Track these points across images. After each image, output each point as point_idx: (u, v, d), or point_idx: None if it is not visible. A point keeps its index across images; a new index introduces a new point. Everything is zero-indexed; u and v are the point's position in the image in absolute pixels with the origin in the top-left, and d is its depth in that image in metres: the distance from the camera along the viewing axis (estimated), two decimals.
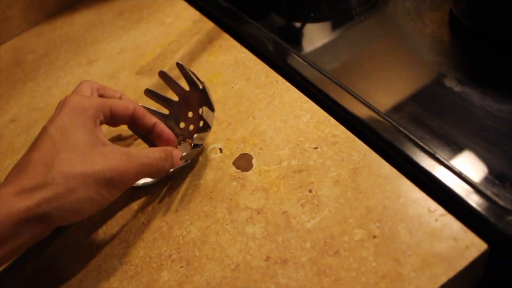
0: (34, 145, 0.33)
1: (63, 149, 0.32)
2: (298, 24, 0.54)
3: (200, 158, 0.41)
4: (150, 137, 0.40)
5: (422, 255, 0.30)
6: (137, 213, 0.39)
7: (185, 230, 0.36)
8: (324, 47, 0.48)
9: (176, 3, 0.61)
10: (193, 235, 0.36)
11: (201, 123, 0.42)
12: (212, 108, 0.39)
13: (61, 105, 0.35)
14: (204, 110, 0.37)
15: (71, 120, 0.33)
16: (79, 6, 0.70)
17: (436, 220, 0.31)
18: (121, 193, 0.35)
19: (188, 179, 0.39)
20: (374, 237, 0.32)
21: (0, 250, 0.29)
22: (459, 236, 0.30)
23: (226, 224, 0.35)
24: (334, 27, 0.51)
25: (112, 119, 0.37)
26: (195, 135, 0.37)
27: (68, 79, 0.57)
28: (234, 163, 0.39)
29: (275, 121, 0.41)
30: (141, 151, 0.35)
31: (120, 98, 0.41)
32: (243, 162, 0.39)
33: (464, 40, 0.44)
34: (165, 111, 0.43)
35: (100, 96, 0.39)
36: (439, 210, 0.32)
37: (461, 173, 0.33)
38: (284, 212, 0.35)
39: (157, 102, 0.43)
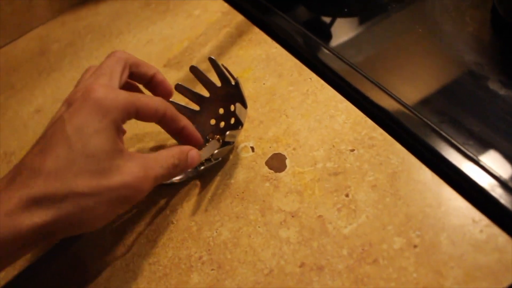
0: (48, 145, 0.30)
1: (80, 158, 0.29)
2: (329, 19, 0.52)
3: (231, 157, 0.39)
4: (176, 137, 0.39)
5: (465, 268, 0.29)
6: (166, 211, 0.38)
7: (216, 232, 0.35)
8: (358, 43, 0.46)
9: None
10: (224, 237, 0.35)
11: (232, 120, 0.40)
12: (245, 105, 0.38)
13: (84, 96, 0.31)
14: (237, 107, 0.36)
15: (92, 121, 0.30)
16: None
17: (481, 231, 0.30)
18: None
19: (218, 178, 0.38)
20: (415, 246, 0.30)
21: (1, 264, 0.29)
22: (506, 249, 0.29)
23: (259, 227, 0.34)
24: (368, 23, 0.49)
25: (138, 118, 0.34)
26: (227, 133, 0.36)
27: None
28: (267, 163, 0.38)
29: (309, 120, 0.40)
30: (156, 160, 0.33)
31: (154, 76, 0.38)
32: (276, 163, 0.38)
33: (508, 39, 0.42)
34: (195, 107, 0.42)
35: (132, 73, 0.37)
36: (483, 220, 0.31)
37: (507, 182, 0.32)
38: (320, 216, 0.34)
39: (187, 97, 0.42)
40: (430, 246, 0.30)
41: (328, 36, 0.49)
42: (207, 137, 0.41)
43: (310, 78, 0.43)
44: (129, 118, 0.33)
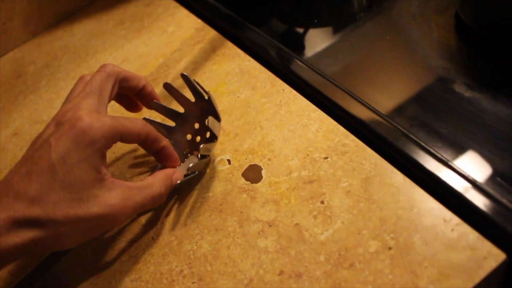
0: (34, 169, 0.31)
1: (61, 186, 0.30)
2: (301, 30, 0.53)
3: (208, 170, 0.40)
4: (154, 156, 0.39)
5: (439, 267, 0.30)
6: (146, 227, 0.38)
7: (196, 245, 0.36)
8: (328, 53, 0.47)
9: (177, 11, 0.61)
10: (204, 250, 0.35)
11: (208, 134, 0.41)
12: (218, 118, 0.39)
13: (71, 123, 0.32)
14: (210, 120, 0.36)
15: (76, 151, 0.31)
16: (79, 16, 0.69)
17: (452, 230, 0.31)
18: None
19: (196, 192, 0.39)
20: (389, 248, 0.31)
21: None
22: (477, 246, 0.30)
23: (238, 238, 0.35)
24: (338, 32, 0.51)
25: (122, 141, 0.35)
26: (201, 146, 0.36)
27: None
28: (243, 175, 0.39)
29: (283, 131, 0.40)
30: (141, 189, 0.34)
31: (143, 88, 0.40)
32: (252, 174, 0.38)
33: (472, 44, 0.44)
34: (171, 123, 0.43)
35: (122, 87, 0.38)
36: (454, 219, 0.31)
37: (475, 181, 0.33)
38: (296, 224, 0.34)
39: (162, 114, 0.42)
40: (404, 247, 0.31)
41: (301, 47, 0.50)
42: (184, 152, 0.42)
43: (283, 89, 0.44)
44: (114, 143, 0.34)
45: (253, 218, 0.35)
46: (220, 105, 0.45)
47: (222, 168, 0.40)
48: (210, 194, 0.38)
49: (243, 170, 0.39)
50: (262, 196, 0.37)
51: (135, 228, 0.38)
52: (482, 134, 0.36)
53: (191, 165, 0.36)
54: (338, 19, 0.52)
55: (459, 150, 0.35)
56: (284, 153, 0.39)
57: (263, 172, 0.38)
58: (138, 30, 0.61)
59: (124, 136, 0.34)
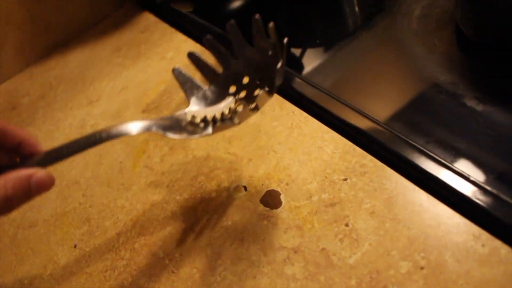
0: None
1: None
2: (300, 51, 0.53)
3: (225, 198, 0.39)
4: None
5: (474, 283, 0.29)
6: (164, 260, 0.37)
7: (219, 276, 0.35)
8: (332, 72, 0.47)
9: (175, 36, 0.61)
10: (228, 281, 0.34)
11: (257, 91, 0.37)
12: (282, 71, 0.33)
13: None
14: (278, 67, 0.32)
15: None
16: (72, 44, 0.69)
17: (483, 245, 0.31)
18: None
19: (213, 221, 0.38)
20: (421, 268, 0.31)
21: None
22: (509, 260, 0.30)
23: (263, 267, 0.34)
24: (341, 52, 0.51)
25: None
26: (260, 93, 0.32)
27: (70, 121, 0.55)
28: (262, 201, 0.38)
29: (297, 154, 0.40)
30: None
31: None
32: (271, 199, 0.38)
33: (476, 57, 0.44)
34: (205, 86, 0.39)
35: None
36: (484, 234, 0.31)
37: (499, 194, 0.33)
38: (323, 249, 0.34)
39: (201, 70, 0.39)
40: (437, 266, 0.31)
41: (305, 68, 0.50)
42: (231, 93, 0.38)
43: (293, 112, 0.44)
44: None
45: (277, 245, 0.35)
46: (229, 131, 0.44)
47: (238, 195, 0.39)
48: (229, 222, 0.37)
49: (261, 196, 0.38)
50: (283, 222, 0.36)
51: (153, 261, 0.37)
52: (501, 148, 0.36)
53: (240, 110, 0.33)
54: (339, 38, 0.52)
55: (479, 164, 0.35)
56: (301, 177, 0.38)
57: (282, 197, 0.38)
58: (136, 57, 0.60)
59: None
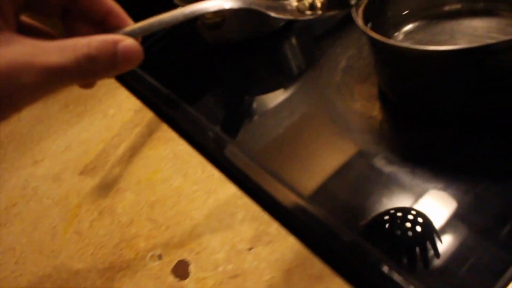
0: None
1: None
2: (231, 108, 0.54)
3: (141, 268, 0.40)
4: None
5: None
6: None
7: None
8: (255, 130, 0.48)
9: (118, 92, 0.62)
10: None
11: None
12: None
13: None
14: None
15: None
16: None
17: None
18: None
19: None
20: None
21: None
22: None
23: None
24: (267, 106, 0.52)
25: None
26: None
27: (14, 182, 0.56)
28: (173, 271, 0.39)
29: (211, 221, 0.41)
30: (58, 47, 0.25)
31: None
32: (181, 270, 0.38)
33: (393, 115, 0.45)
34: None
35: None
36: None
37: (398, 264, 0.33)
38: None
39: None
40: None
41: (231, 128, 0.51)
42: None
43: (213, 175, 0.45)
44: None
45: None
46: (154, 195, 0.45)
47: (153, 264, 0.40)
48: None
49: (173, 266, 0.39)
50: None
51: None
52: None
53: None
54: (267, 88, 0.53)
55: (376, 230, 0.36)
56: (211, 246, 0.39)
57: (190, 267, 0.38)
58: (81, 114, 0.62)
59: None
